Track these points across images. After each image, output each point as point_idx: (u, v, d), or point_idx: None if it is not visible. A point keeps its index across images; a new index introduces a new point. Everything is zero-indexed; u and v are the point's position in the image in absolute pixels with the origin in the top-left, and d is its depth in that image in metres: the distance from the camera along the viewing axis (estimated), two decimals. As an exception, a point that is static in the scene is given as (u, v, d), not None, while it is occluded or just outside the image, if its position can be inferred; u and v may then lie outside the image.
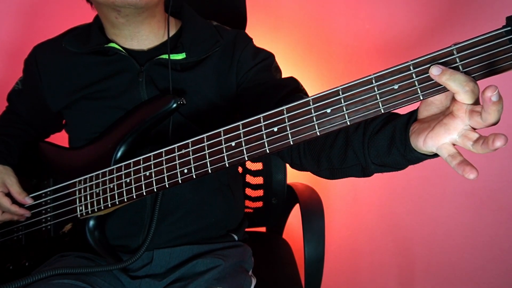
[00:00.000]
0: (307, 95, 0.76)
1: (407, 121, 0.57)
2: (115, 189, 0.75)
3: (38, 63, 0.91)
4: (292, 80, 0.81)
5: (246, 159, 0.62)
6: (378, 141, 0.60)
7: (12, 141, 0.93)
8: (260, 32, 1.53)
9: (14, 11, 1.47)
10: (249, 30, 1.08)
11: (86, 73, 0.86)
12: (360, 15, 1.54)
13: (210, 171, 0.65)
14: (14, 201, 0.86)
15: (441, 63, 0.50)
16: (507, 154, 1.47)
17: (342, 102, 0.55)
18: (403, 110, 0.57)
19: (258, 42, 0.93)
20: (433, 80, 0.50)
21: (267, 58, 0.89)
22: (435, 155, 0.55)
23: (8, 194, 0.86)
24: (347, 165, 0.66)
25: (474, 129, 0.49)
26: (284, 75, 0.91)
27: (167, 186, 0.69)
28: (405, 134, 0.56)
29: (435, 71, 0.48)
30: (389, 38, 1.52)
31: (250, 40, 0.92)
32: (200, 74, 0.85)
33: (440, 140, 0.51)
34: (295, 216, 1.14)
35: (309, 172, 0.75)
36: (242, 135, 0.62)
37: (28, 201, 0.86)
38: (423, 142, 0.53)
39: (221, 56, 0.87)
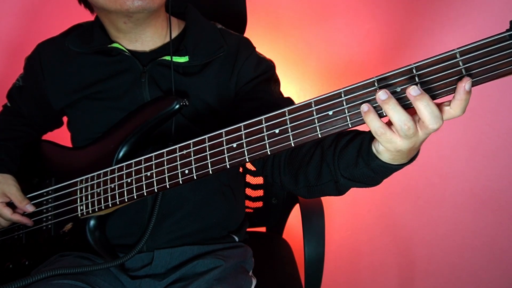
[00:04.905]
0: None
1: None
2: (116, 189, 0.75)
3: (41, 61, 0.91)
4: (288, 102, 0.81)
5: (247, 160, 0.62)
6: (347, 152, 0.62)
7: (12, 144, 0.92)
8: (260, 32, 1.53)
9: (14, 9, 1.47)
10: (249, 30, 1.07)
11: (89, 72, 0.86)
12: (360, 15, 1.53)
13: (211, 172, 0.65)
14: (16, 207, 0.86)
15: (444, 66, 0.50)
16: (507, 154, 1.47)
17: (344, 104, 0.55)
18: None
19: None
20: (435, 83, 0.50)
21: (268, 70, 0.88)
22: (401, 166, 0.58)
23: (10, 203, 0.85)
24: (322, 182, 0.67)
25: None
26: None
27: (168, 186, 0.69)
28: (370, 142, 0.59)
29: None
30: (389, 38, 1.51)
31: (253, 49, 0.91)
32: (202, 79, 0.85)
33: None
34: (295, 216, 1.13)
35: None
36: (243, 136, 0.62)
37: (29, 209, 0.85)
38: None
39: (223, 63, 0.86)
